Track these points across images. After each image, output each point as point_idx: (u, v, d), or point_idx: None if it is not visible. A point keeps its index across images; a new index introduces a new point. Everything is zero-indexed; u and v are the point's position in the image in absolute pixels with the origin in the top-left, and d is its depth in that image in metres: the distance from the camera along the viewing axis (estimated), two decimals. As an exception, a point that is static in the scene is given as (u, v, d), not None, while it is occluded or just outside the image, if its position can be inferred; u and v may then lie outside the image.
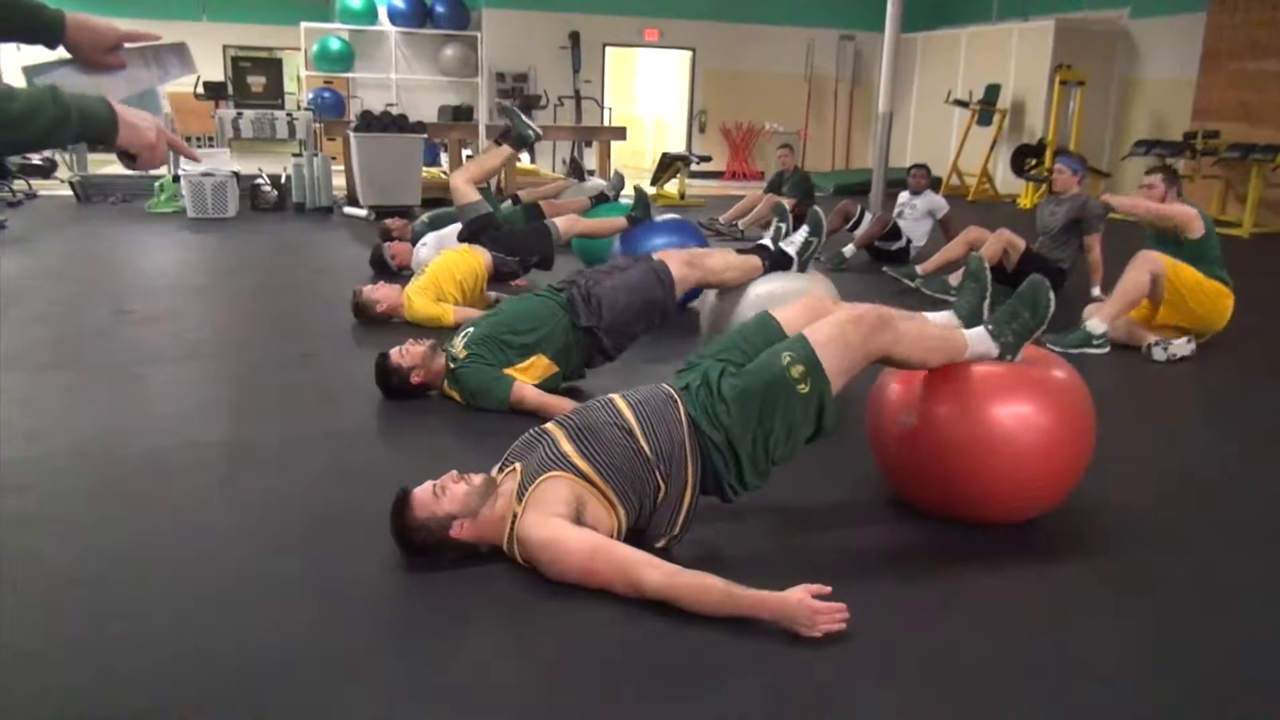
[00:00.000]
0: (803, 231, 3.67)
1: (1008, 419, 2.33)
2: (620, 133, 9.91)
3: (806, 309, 2.50)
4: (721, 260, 3.59)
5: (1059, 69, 10.84)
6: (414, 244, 6.00)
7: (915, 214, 6.70)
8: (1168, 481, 2.92)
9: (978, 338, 2.42)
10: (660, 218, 5.15)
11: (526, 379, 3.33)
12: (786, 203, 7.80)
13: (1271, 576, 2.33)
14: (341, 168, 9.04)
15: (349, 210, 8.47)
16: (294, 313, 4.93)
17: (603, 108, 13.21)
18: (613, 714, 1.72)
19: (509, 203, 6.43)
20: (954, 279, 5.51)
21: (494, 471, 2.32)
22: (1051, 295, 2.42)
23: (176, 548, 2.32)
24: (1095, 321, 4.33)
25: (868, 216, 6.81)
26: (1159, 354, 4.24)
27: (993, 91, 11.67)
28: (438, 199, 8.66)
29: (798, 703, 1.75)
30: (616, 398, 2.30)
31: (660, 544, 2.26)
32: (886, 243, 6.61)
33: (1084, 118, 10.83)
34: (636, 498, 2.18)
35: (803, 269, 3.66)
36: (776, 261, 3.63)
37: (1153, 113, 11.09)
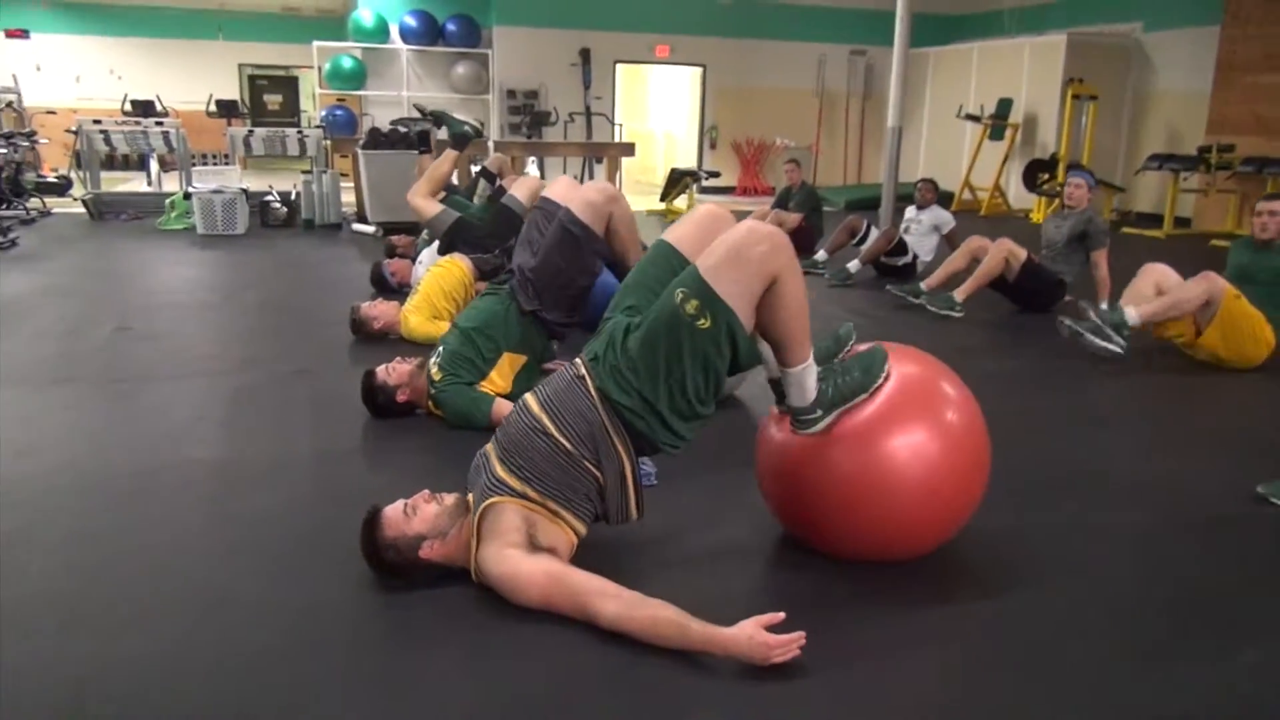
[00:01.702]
0: None
1: (900, 451, 2.17)
2: (629, 149, 9.93)
3: (699, 225, 2.34)
4: (630, 209, 3.35)
5: (1071, 83, 10.78)
6: (415, 261, 6.02)
7: (921, 229, 6.66)
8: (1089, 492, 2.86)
9: (812, 369, 2.18)
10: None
11: (501, 382, 3.33)
12: (792, 219, 7.85)
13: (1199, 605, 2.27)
14: (351, 184, 9.10)
15: (358, 227, 8.51)
16: (295, 329, 4.94)
17: (613, 124, 13.25)
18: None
19: (478, 172, 6.34)
20: (960, 294, 5.47)
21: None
22: (888, 367, 2.22)
23: (157, 566, 2.31)
24: (1132, 311, 4.24)
25: (874, 231, 6.77)
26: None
27: (1005, 106, 11.63)
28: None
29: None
30: (529, 397, 2.25)
31: (621, 522, 2.18)
32: (893, 258, 6.57)
33: (1097, 132, 10.77)
34: (583, 497, 2.13)
35: None
36: None
37: (1166, 126, 11.01)
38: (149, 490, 2.79)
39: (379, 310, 4.54)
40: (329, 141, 9.60)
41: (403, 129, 8.29)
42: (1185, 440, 3.48)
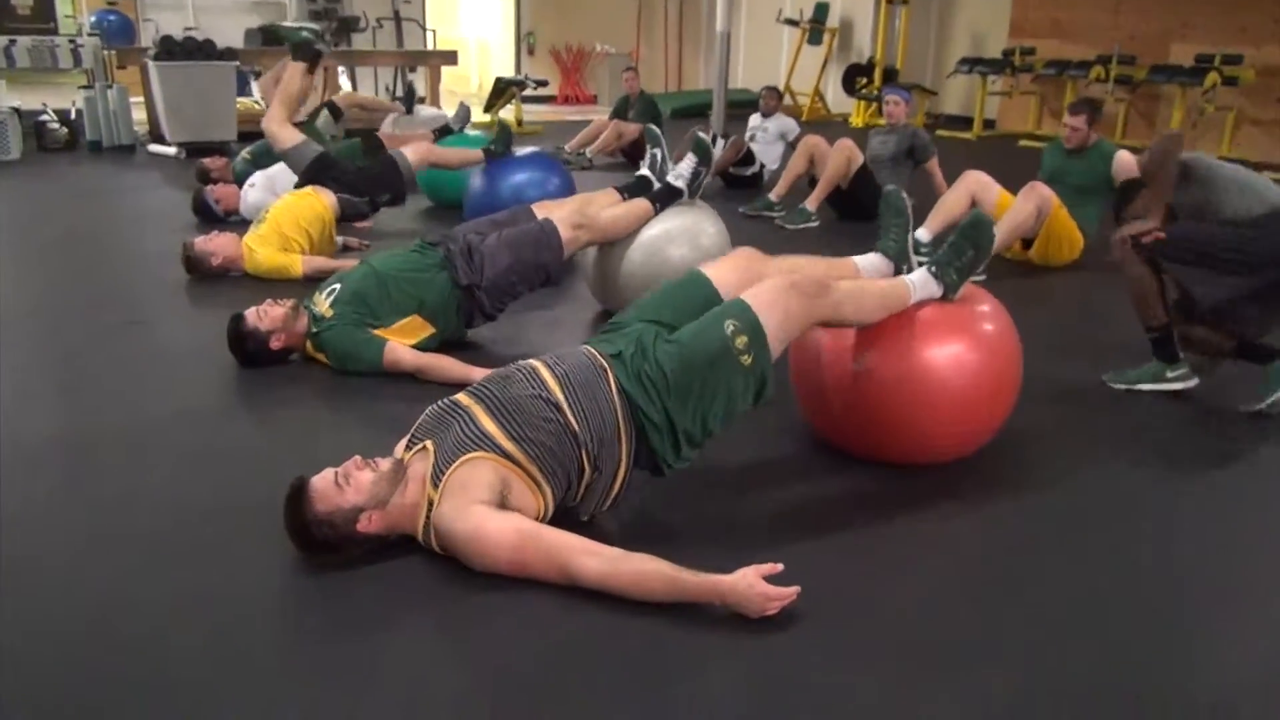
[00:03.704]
0: (690, 161, 3.48)
1: (943, 359, 2.28)
2: (451, 57, 9.37)
3: (738, 269, 2.34)
4: (610, 215, 3.37)
5: (884, -13, 10.98)
6: (237, 183, 5.47)
7: (767, 137, 6.64)
8: (1067, 408, 2.97)
9: (923, 283, 2.33)
10: (521, 151, 4.86)
11: (399, 341, 3.05)
12: (632, 129, 7.65)
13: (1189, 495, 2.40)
14: (141, 100, 8.14)
15: (155, 149, 7.65)
16: (111, 271, 4.38)
17: (425, 30, 12.46)
18: (574, 715, 1.56)
19: (324, 113, 5.90)
20: (811, 203, 5.51)
21: (400, 449, 2.08)
22: (995, 232, 2.39)
23: (27, 568, 1.96)
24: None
25: (720, 141, 6.69)
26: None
27: (822, 10, 11.72)
28: (254, 133, 7.95)
29: (770, 688, 1.64)
30: (539, 366, 2.07)
31: (584, 519, 2.09)
32: (740, 168, 6.53)
33: (909, 37, 11.06)
34: (565, 476, 1.99)
35: (693, 197, 3.49)
36: (665, 198, 3.45)
37: (972, 31, 11.43)
38: (-11, 475, 2.37)
39: (216, 244, 4.07)
40: (110, 52, 8.51)
41: (200, 38, 7.44)
42: (1042, 340, 3.64)
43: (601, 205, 3.41)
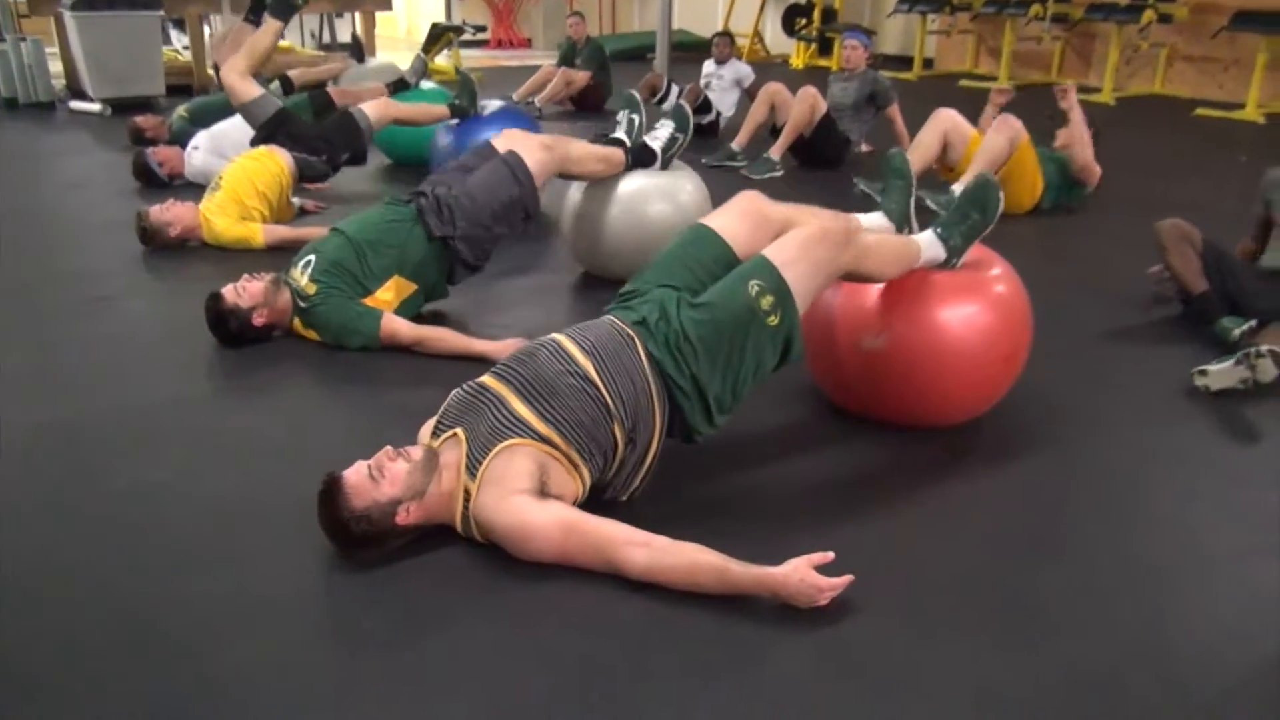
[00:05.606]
0: (668, 126, 3.47)
1: (958, 323, 2.28)
2: (385, 2, 9.02)
3: (745, 217, 2.28)
4: (582, 148, 3.31)
5: (821, -75, 10.85)
6: (175, 143, 5.23)
7: (723, 84, 6.57)
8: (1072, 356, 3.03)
9: (929, 242, 2.33)
10: (489, 109, 4.71)
11: (386, 305, 2.96)
12: (581, 76, 7.50)
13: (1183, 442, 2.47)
14: (56, 52, 7.69)
15: (77, 105, 7.26)
16: (60, 244, 4.14)
17: (350, -28, 11.96)
18: (660, 702, 1.55)
19: (275, 84, 5.64)
20: (775, 152, 5.48)
21: (426, 434, 2.04)
22: (1001, 194, 2.36)
23: (47, 570, 1.87)
24: (960, 188, 4.40)
25: (674, 89, 6.60)
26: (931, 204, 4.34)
27: (759, -52, 11.56)
28: (182, 86, 7.61)
29: (840, 665, 1.65)
30: (564, 340, 2.02)
31: (623, 498, 2.07)
32: (697, 116, 6.42)
33: (847, -26, 10.98)
34: (600, 454, 1.96)
35: (665, 166, 3.47)
36: (638, 158, 3.41)
37: (908, -32, 11.39)
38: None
39: (174, 214, 3.88)
40: (15, 1, 7.99)
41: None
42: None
43: (570, 140, 3.34)
